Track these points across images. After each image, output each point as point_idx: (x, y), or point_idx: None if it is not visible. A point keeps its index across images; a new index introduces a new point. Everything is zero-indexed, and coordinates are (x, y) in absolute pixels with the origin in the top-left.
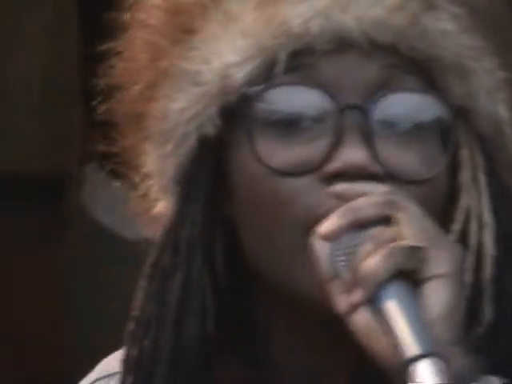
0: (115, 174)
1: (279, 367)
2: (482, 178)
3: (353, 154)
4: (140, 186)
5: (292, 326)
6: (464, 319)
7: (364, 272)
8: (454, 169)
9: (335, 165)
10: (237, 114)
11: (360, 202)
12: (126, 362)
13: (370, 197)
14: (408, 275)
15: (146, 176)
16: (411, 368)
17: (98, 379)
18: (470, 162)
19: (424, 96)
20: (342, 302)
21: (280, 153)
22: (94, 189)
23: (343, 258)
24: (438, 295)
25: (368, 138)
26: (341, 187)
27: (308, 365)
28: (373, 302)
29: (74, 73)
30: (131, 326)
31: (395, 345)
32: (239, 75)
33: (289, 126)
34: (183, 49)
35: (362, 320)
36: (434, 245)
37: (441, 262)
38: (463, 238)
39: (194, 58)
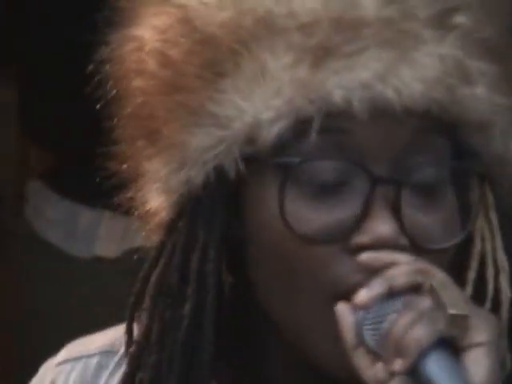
0: (63, 191)
1: None
2: (495, 220)
3: (382, 227)
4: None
5: (289, 360)
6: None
7: (407, 341)
8: (466, 213)
9: (364, 238)
10: (264, 163)
11: (393, 271)
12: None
13: (402, 266)
14: (448, 342)
15: (147, 190)
16: None
17: (67, 359)
18: (482, 203)
19: (444, 156)
20: (378, 371)
21: (308, 218)
22: (39, 206)
23: (371, 327)
24: (479, 363)
25: (397, 211)
26: (367, 257)
27: None
28: (413, 370)
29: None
30: (133, 348)
31: None
32: (271, 132)
33: (318, 191)
34: (211, 89)
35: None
36: (472, 313)
37: (481, 330)
38: (479, 285)
39: (225, 103)
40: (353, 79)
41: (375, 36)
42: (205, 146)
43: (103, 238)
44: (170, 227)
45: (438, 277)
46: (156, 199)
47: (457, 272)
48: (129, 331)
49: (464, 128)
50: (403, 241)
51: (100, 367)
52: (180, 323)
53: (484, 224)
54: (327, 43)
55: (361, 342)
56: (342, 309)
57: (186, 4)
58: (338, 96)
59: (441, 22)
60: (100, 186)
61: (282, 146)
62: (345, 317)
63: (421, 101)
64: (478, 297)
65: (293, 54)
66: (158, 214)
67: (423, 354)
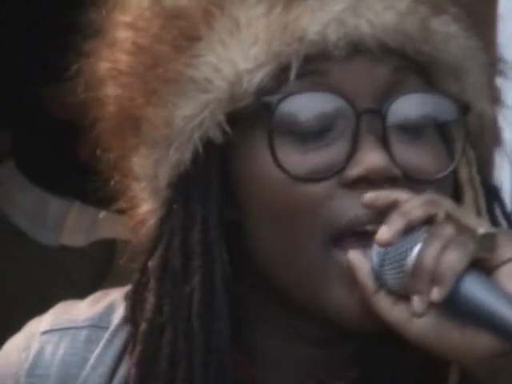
0: (36, 179)
1: (263, 354)
2: (477, 176)
3: (373, 158)
4: (123, 189)
5: (286, 323)
6: None
7: (441, 268)
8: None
9: (357, 170)
10: (248, 120)
11: (407, 205)
12: (141, 364)
13: (413, 199)
14: (480, 264)
15: (134, 179)
16: None
17: (53, 329)
18: (465, 159)
19: (431, 96)
20: (404, 317)
21: (300, 161)
22: (10, 190)
23: (391, 267)
24: (510, 279)
25: (384, 142)
26: (370, 196)
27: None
28: (450, 298)
29: None
30: (144, 326)
31: (477, 335)
32: (252, 82)
33: (306, 132)
34: (187, 56)
35: (430, 322)
36: (498, 231)
37: (508, 246)
38: None
39: (202, 66)
40: (326, 14)
41: None
42: (189, 114)
43: (70, 227)
44: (164, 215)
45: (449, 205)
46: (146, 200)
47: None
48: (133, 313)
49: (439, 74)
50: (396, 171)
51: (90, 341)
52: (191, 297)
53: (468, 180)
54: None
55: (381, 285)
56: (356, 256)
57: None
58: (313, 33)
59: None
60: (71, 176)
61: (263, 94)
62: (360, 263)
63: (394, 34)
64: None
65: (264, 2)
66: (146, 219)
67: (459, 278)
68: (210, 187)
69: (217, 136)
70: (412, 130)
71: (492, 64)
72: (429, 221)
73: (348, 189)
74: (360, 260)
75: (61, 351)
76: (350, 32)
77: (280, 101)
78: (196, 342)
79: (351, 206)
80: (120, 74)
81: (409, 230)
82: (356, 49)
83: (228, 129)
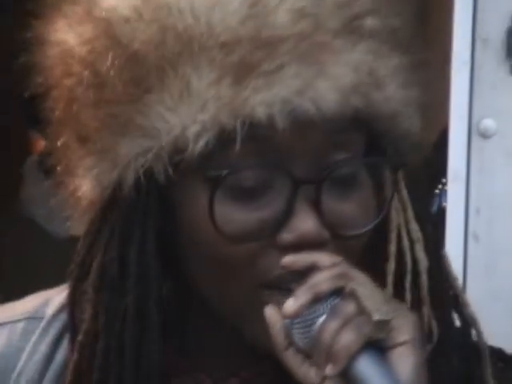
0: (48, 173)
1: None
2: (405, 195)
3: (304, 224)
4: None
5: (220, 333)
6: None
7: (336, 347)
8: (381, 189)
9: (289, 236)
10: (191, 172)
11: (316, 277)
12: (76, 371)
13: (323, 272)
14: (375, 343)
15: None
16: None
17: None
18: (391, 180)
19: (359, 147)
20: (311, 375)
21: (235, 219)
22: (28, 183)
23: (301, 331)
24: (404, 361)
25: (318, 207)
26: (288, 259)
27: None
28: (344, 373)
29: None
30: (81, 337)
31: None
32: (198, 144)
33: (244, 195)
34: (139, 103)
35: None
36: (393, 314)
37: (403, 329)
38: (400, 257)
39: (152, 115)
40: (273, 96)
41: (291, 51)
42: (133, 153)
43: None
44: (100, 218)
45: (358, 279)
46: (89, 191)
47: (380, 247)
48: (71, 317)
49: (375, 122)
50: (325, 234)
51: (26, 332)
52: (125, 313)
53: (396, 200)
54: (247, 60)
55: (291, 342)
56: (271, 312)
57: (109, 18)
58: (260, 113)
59: (351, 29)
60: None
61: (208, 155)
62: (274, 320)
63: (337, 108)
64: (401, 269)
65: (216, 71)
66: (91, 201)
67: (353, 358)
68: (149, 216)
69: (160, 176)
70: (346, 183)
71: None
72: (338, 291)
73: (279, 250)
74: (274, 316)
75: None
76: (294, 110)
77: (225, 177)
78: (127, 359)
79: (278, 265)
80: (73, 80)
81: (318, 299)
82: (299, 121)
83: (171, 172)
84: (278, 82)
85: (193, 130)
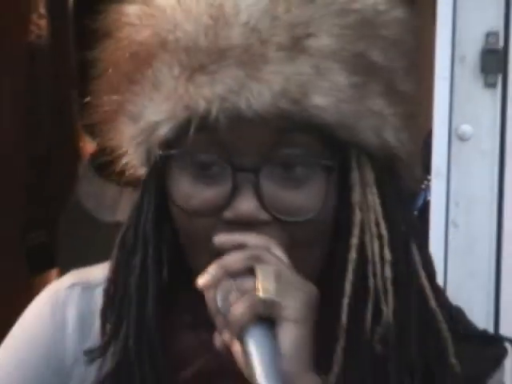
0: (98, 171)
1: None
2: (373, 193)
3: (243, 205)
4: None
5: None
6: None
7: (230, 317)
8: (349, 189)
9: (230, 214)
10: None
11: (228, 258)
12: (102, 313)
13: (237, 253)
14: (268, 319)
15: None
16: None
17: (75, 284)
18: (360, 182)
19: (312, 146)
20: (216, 339)
21: (191, 196)
22: (83, 180)
23: (222, 300)
24: (285, 335)
25: (258, 192)
26: (219, 239)
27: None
28: (240, 340)
29: None
30: (105, 284)
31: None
32: (163, 130)
33: (199, 174)
34: (129, 92)
35: (236, 352)
36: (283, 295)
37: (289, 308)
38: (362, 250)
39: (137, 103)
40: (213, 93)
41: (236, 58)
42: (132, 135)
43: (124, 206)
44: (135, 196)
45: (269, 262)
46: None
47: (347, 238)
48: (110, 276)
49: (325, 127)
50: (263, 215)
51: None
52: (134, 270)
53: (363, 199)
54: (198, 63)
55: (218, 310)
56: (201, 284)
57: (122, 27)
58: (200, 105)
59: (293, 45)
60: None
61: (175, 138)
62: (206, 291)
63: (270, 109)
64: (364, 260)
65: (178, 69)
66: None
67: (245, 328)
68: (152, 188)
69: (152, 154)
70: (292, 179)
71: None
72: (250, 271)
73: (226, 226)
74: (206, 287)
75: (81, 305)
76: (230, 107)
77: (173, 156)
78: (132, 306)
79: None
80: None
81: (234, 275)
82: (237, 117)
83: (157, 152)
84: (217, 80)
85: (159, 118)
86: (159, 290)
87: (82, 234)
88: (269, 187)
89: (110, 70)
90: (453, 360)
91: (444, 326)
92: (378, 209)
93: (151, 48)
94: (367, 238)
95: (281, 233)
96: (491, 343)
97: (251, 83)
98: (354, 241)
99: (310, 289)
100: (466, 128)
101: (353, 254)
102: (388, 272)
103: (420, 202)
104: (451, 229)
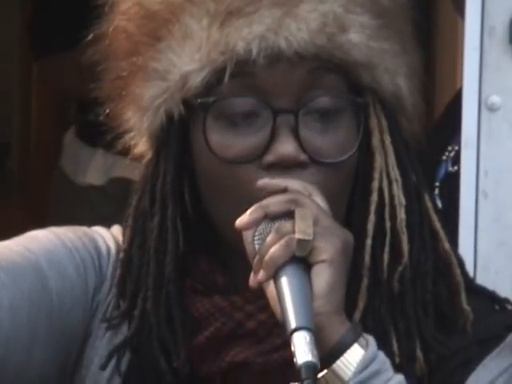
0: (78, 135)
1: (233, 270)
2: (388, 139)
3: (284, 147)
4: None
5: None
6: (345, 295)
7: (267, 257)
8: (368, 135)
9: (271, 157)
10: (195, 107)
11: (269, 200)
12: (119, 283)
13: (278, 196)
14: (304, 260)
15: (127, 130)
16: (291, 338)
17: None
18: (378, 128)
19: (340, 90)
20: (251, 279)
21: (229, 145)
22: (65, 145)
23: (260, 242)
24: (319, 277)
25: (296, 134)
26: (262, 182)
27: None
28: (275, 281)
29: None
30: (121, 255)
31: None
32: (196, 79)
33: (235, 122)
34: (153, 51)
35: (270, 292)
36: (319, 238)
37: (323, 250)
38: (380, 194)
39: (163, 60)
40: (251, 33)
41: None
42: (153, 95)
43: (94, 169)
44: (146, 164)
45: (306, 206)
46: (141, 144)
47: (366, 183)
48: (124, 242)
49: (352, 68)
50: (303, 157)
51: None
52: (152, 234)
53: (379, 144)
54: (232, 8)
55: (256, 250)
56: (240, 223)
57: None
58: (240, 47)
59: None
60: (99, 130)
61: (206, 89)
62: (244, 233)
63: (307, 47)
64: (382, 203)
65: (208, 18)
66: (144, 156)
67: (280, 268)
68: (171, 150)
69: (176, 113)
70: (326, 121)
71: (408, 51)
72: (288, 214)
73: (266, 171)
74: (245, 230)
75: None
76: (270, 46)
77: (212, 103)
78: (152, 269)
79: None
80: (114, 47)
81: (273, 218)
82: (276, 57)
83: (182, 109)
84: (254, 21)
85: (191, 67)
86: (178, 251)
87: (64, 196)
88: (306, 130)
89: (122, 37)
90: (466, 306)
91: (457, 271)
92: (392, 155)
93: (175, 4)
94: (384, 183)
95: (318, 177)
96: (501, 306)
97: (289, 21)
98: (376, 184)
99: (346, 234)
100: (495, 99)
101: (374, 197)
102: (403, 214)
103: (442, 173)
104: (481, 198)
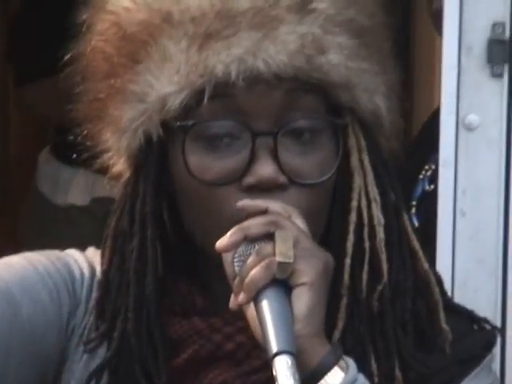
0: (55, 155)
1: (214, 292)
2: (366, 159)
3: (263, 169)
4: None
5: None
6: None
7: (248, 279)
8: (347, 155)
9: (250, 179)
10: (174, 129)
11: (248, 222)
12: (97, 304)
13: (257, 218)
14: (285, 283)
15: (105, 150)
16: (272, 362)
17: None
18: (357, 147)
19: (319, 111)
20: (232, 301)
21: (208, 166)
22: (41, 164)
23: (240, 264)
24: (299, 299)
25: (275, 156)
26: (243, 203)
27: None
28: (255, 303)
29: None
30: (100, 276)
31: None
32: (175, 102)
33: (214, 144)
34: (131, 73)
35: (250, 314)
36: (299, 260)
37: (303, 273)
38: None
39: (141, 82)
40: (230, 56)
41: (248, 21)
42: (131, 117)
43: (75, 188)
44: (125, 184)
45: (286, 228)
46: (119, 164)
47: (345, 202)
48: (102, 263)
49: (331, 89)
50: (282, 179)
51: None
52: (131, 255)
53: (358, 164)
54: (210, 30)
55: (235, 275)
56: (220, 246)
57: (115, 11)
58: (219, 70)
59: (301, 7)
60: (78, 150)
61: (185, 111)
62: (224, 254)
63: (286, 69)
64: (361, 222)
65: (187, 40)
66: (122, 175)
67: (261, 291)
68: (150, 171)
69: (154, 135)
70: (305, 142)
71: (386, 71)
72: (269, 236)
73: (246, 193)
74: (226, 245)
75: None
76: (248, 69)
77: (191, 126)
78: (131, 290)
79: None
80: (92, 68)
81: (253, 240)
82: (255, 80)
83: (161, 131)
84: (233, 44)
85: (170, 89)
86: (157, 272)
87: (40, 217)
88: (285, 152)
89: (100, 58)
90: (444, 326)
91: (436, 289)
92: (371, 174)
93: (153, 26)
94: (363, 202)
95: (297, 198)
96: (479, 325)
97: (268, 44)
98: (354, 204)
99: (326, 256)
100: (472, 118)
101: (353, 217)
102: (382, 234)
103: (418, 192)
104: (459, 217)
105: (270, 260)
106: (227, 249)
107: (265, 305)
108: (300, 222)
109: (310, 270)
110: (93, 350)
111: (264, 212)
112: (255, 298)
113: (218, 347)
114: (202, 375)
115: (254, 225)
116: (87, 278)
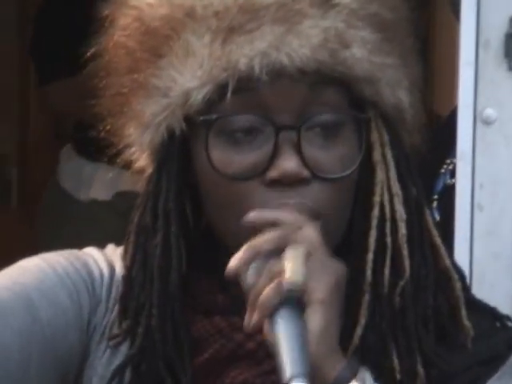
0: (77, 150)
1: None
2: (389, 153)
3: (286, 163)
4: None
5: None
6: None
7: (260, 300)
8: (369, 149)
9: (273, 174)
10: (197, 123)
11: (258, 239)
12: (121, 300)
13: (268, 233)
14: (298, 299)
15: (128, 145)
16: None
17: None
18: (379, 142)
19: (342, 105)
20: (246, 320)
21: (231, 161)
22: (62, 159)
23: (252, 280)
24: (312, 317)
25: (298, 150)
26: (251, 216)
27: None
28: (270, 321)
29: None
30: (123, 272)
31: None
32: (198, 96)
33: (237, 139)
34: (154, 68)
35: (265, 329)
36: (311, 278)
37: (315, 290)
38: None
39: (164, 77)
40: (253, 50)
41: (271, 15)
42: (155, 112)
43: (98, 184)
44: (147, 180)
45: (297, 242)
46: (142, 159)
47: (367, 197)
48: (125, 259)
49: (354, 83)
50: (305, 173)
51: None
52: (155, 251)
53: (381, 158)
54: (233, 24)
55: (249, 290)
56: (231, 269)
57: (138, 6)
58: (242, 64)
59: (324, 2)
60: (100, 146)
61: (208, 106)
62: (239, 267)
63: (309, 62)
64: (383, 217)
65: (210, 35)
66: (145, 170)
67: (274, 310)
68: (173, 166)
69: (177, 129)
70: (328, 136)
71: (408, 65)
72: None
73: (268, 188)
74: (237, 267)
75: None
76: (272, 62)
77: (215, 120)
78: (156, 286)
79: (268, 202)
80: (114, 63)
81: (266, 256)
82: (278, 74)
83: (184, 126)
84: (256, 38)
85: (193, 84)
86: (181, 269)
87: (61, 212)
88: (308, 146)
89: (123, 53)
90: (466, 322)
91: (457, 285)
92: (393, 169)
93: (176, 20)
94: (385, 197)
95: (320, 192)
96: (502, 323)
97: (291, 38)
98: (377, 198)
99: (338, 269)
100: (490, 112)
101: (375, 212)
102: (404, 229)
103: (440, 186)
104: (476, 211)
105: (279, 281)
106: (236, 271)
107: (278, 324)
108: (312, 232)
109: (321, 287)
110: (116, 346)
111: (273, 224)
112: (269, 316)
113: (240, 346)
114: (223, 375)
115: (265, 241)
116: (106, 276)
